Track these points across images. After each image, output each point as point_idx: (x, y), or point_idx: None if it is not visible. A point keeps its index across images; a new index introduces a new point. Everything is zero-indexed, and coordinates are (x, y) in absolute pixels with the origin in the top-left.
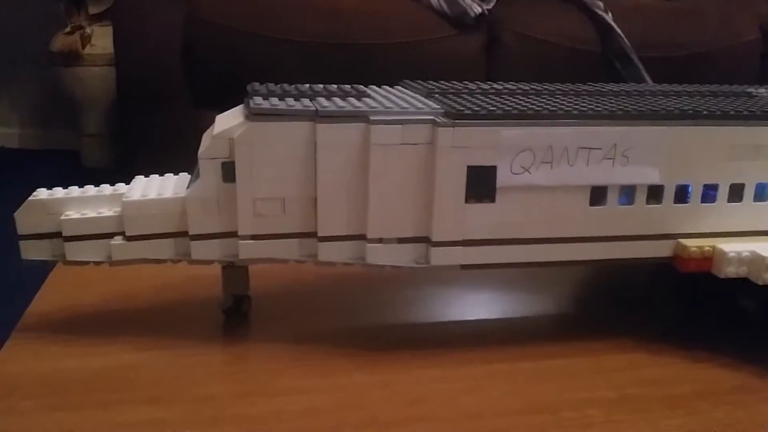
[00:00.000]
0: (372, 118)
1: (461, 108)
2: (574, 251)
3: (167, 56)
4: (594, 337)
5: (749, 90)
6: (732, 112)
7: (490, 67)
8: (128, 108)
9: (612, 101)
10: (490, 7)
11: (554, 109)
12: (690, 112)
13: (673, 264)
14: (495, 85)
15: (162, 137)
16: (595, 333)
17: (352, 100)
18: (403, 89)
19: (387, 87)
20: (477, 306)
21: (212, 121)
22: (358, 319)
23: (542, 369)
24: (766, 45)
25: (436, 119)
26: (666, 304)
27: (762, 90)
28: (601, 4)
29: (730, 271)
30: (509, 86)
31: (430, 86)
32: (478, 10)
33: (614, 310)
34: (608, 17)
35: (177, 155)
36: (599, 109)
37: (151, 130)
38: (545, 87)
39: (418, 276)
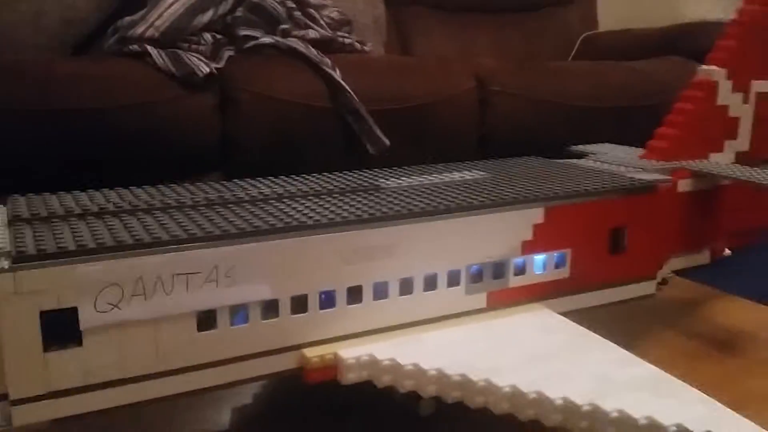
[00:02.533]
0: None
1: (27, 246)
2: (190, 381)
3: None
4: None
5: (378, 182)
6: (339, 219)
7: (226, 127)
8: None
9: (228, 214)
10: (220, 65)
11: (139, 238)
12: (293, 224)
13: (301, 375)
14: (121, 201)
15: None
16: None
17: None
18: None
19: None
20: None
21: None
22: None
23: None
24: (481, 92)
25: None
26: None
27: (391, 181)
28: (328, 61)
29: (352, 377)
30: (136, 202)
31: (23, 208)
32: (206, 69)
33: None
34: (335, 74)
35: None
36: (194, 232)
37: None
38: (169, 199)
39: None
